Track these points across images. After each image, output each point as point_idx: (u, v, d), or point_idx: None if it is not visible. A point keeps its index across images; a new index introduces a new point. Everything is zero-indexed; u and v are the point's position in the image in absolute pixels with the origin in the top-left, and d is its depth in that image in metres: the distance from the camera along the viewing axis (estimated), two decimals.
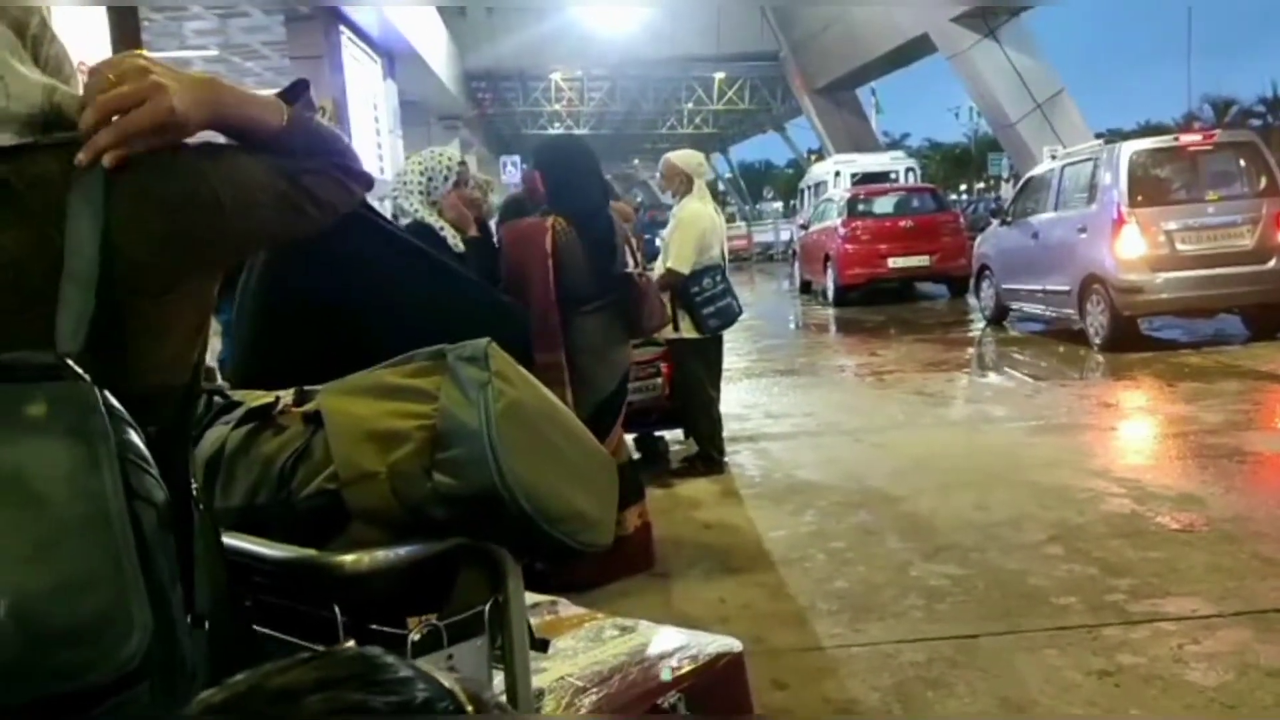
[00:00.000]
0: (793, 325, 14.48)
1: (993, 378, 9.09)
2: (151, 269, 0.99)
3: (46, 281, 0.94)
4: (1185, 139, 9.87)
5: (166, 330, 1.03)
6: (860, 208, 15.54)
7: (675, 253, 5.50)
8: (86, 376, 0.89)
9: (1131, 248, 8.95)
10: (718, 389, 5.88)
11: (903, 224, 15.18)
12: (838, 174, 19.95)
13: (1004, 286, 11.37)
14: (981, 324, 12.09)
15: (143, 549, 0.88)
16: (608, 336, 4.04)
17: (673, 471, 5.84)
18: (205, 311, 1.11)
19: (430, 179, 3.37)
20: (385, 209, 3.28)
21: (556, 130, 37.57)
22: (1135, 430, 6.77)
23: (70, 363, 0.89)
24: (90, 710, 0.83)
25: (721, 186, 49.14)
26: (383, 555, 1.33)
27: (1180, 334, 9.96)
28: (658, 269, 5.68)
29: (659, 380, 5.92)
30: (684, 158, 5.78)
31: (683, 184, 5.66)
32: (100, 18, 5.26)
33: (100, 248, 0.95)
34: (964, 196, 44.96)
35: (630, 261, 4.27)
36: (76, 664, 0.82)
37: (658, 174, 6.08)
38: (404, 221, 3.29)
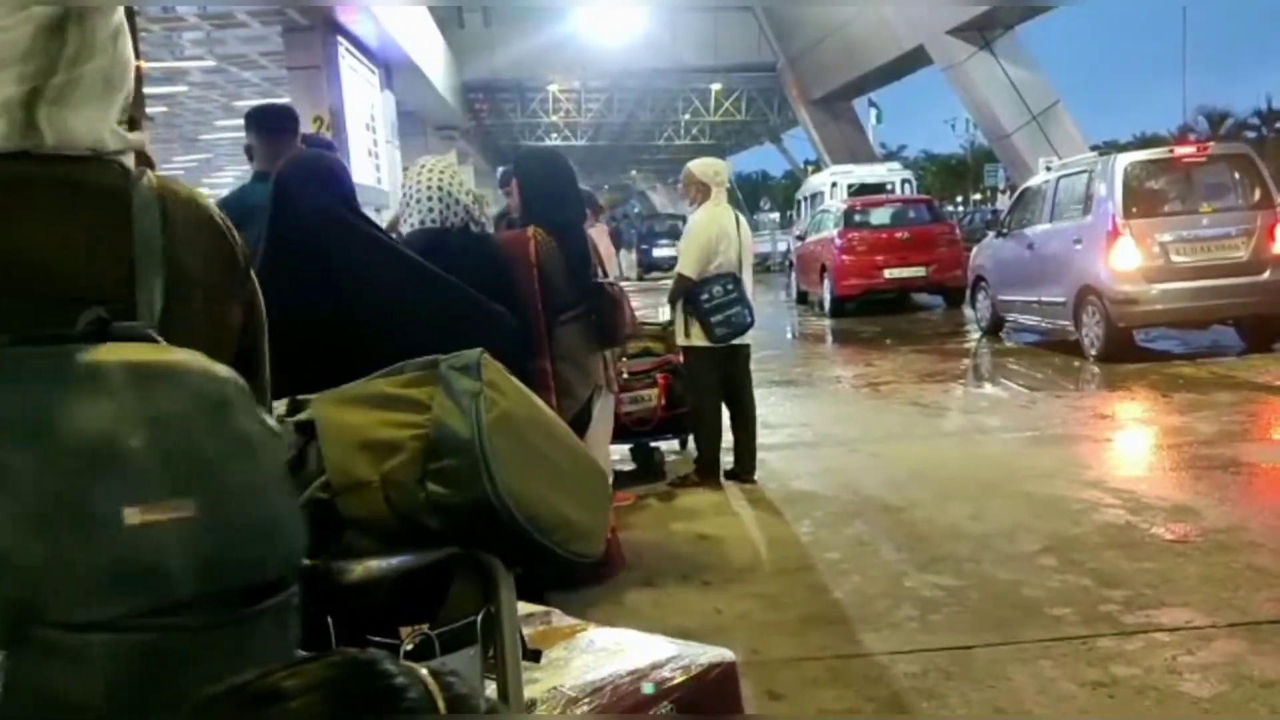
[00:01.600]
0: (789, 336, 14.50)
1: (988, 388, 9.10)
2: (198, 281, 1.13)
3: (122, 281, 1.05)
4: (1180, 151, 9.91)
5: (208, 337, 1.13)
6: (857, 219, 15.57)
7: (682, 258, 5.64)
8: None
9: (1126, 259, 8.98)
10: (744, 401, 5.79)
11: (899, 235, 15.22)
12: (834, 185, 19.97)
13: (1000, 297, 11.39)
14: (977, 335, 12.11)
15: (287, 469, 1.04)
16: (583, 346, 4.07)
17: (670, 482, 5.82)
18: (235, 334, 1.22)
19: None
20: (378, 218, 3.29)
21: (554, 141, 37.67)
22: (1130, 441, 6.78)
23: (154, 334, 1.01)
24: (259, 604, 0.95)
25: None
26: (376, 564, 1.33)
27: (1175, 345, 9.98)
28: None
29: (654, 391, 5.93)
30: (700, 166, 5.81)
31: (699, 192, 5.68)
32: None
33: (163, 240, 1.08)
34: (960, 208, 45.01)
35: (600, 271, 4.29)
36: (257, 559, 0.95)
37: (679, 183, 6.12)
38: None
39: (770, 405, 8.16)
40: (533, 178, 4.02)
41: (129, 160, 1.14)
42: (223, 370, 1.00)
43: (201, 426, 0.94)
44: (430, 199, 3.22)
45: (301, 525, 1.03)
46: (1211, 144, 10.72)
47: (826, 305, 15.43)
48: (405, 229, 3.23)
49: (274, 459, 1.01)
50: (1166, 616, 3.57)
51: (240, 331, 1.23)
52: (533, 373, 3.59)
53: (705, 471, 5.71)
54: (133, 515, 0.86)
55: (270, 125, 4.12)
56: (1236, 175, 9.55)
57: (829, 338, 13.61)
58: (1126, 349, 9.18)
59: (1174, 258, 8.95)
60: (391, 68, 16.16)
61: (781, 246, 26.69)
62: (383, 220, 4.27)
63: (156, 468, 0.89)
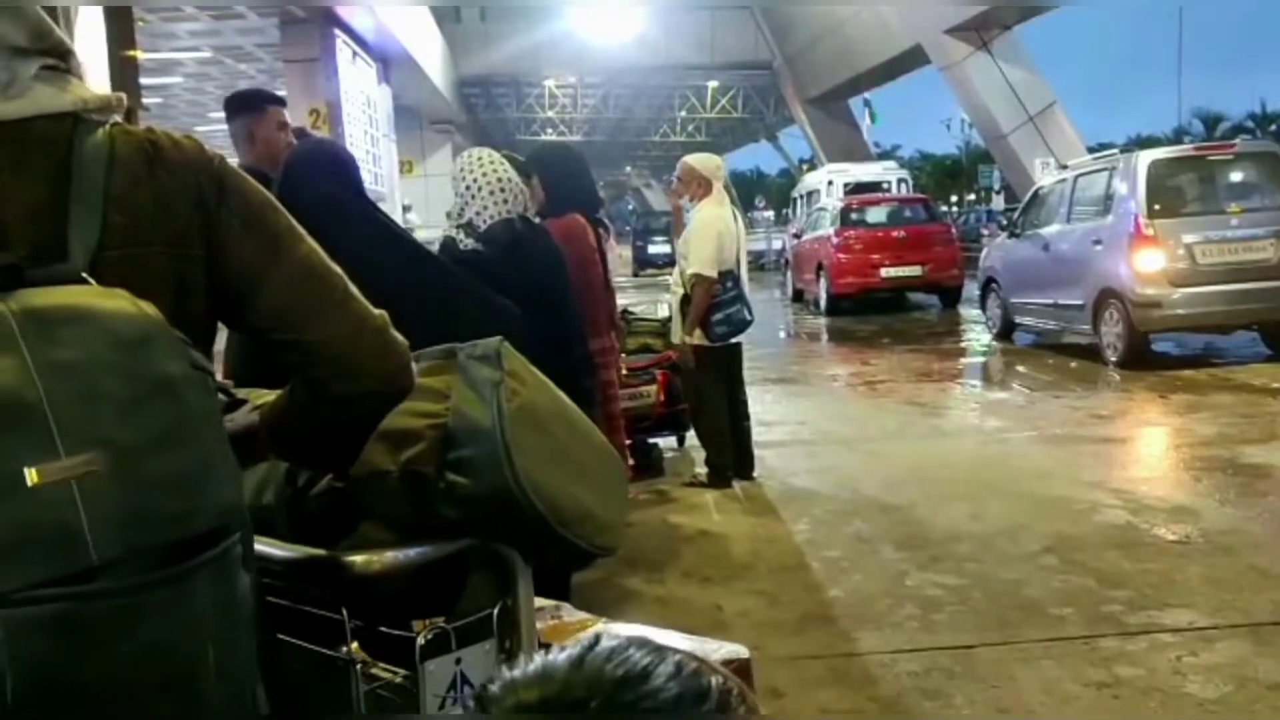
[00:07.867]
0: (785, 334, 14.48)
1: (997, 392, 9.04)
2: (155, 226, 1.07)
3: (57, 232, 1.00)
4: (1205, 148, 9.56)
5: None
6: (853, 217, 15.51)
7: (696, 256, 5.30)
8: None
9: (1150, 261, 8.54)
10: (740, 399, 5.70)
11: (895, 234, 15.19)
12: (830, 183, 19.93)
13: (1012, 300, 10.97)
14: (974, 334, 12.07)
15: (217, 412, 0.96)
16: None
17: (684, 483, 5.70)
18: None
19: None
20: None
21: (550, 136, 37.62)
22: (1143, 445, 6.66)
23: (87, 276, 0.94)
24: (192, 559, 0.87)
25: None
26: (392, 556, 1.30)
27: (1199, 350, 9.65)
28: (674, 275, 5.71)
29: (653, 387, 5.90)
30: (701, 161, 5.62)
31: (700, 188, 5.46)
32: (96, 18, 5.25)
33: (103, 187, 1.02)
34: (955, 208, 45.03)
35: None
36: (183, 510, 0.87)
37: (674, 178, 5.82)
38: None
39: (767, 403, 8.14)
40: (552, 172, 4.06)
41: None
42: (147, 308, 0.91)
43: (112, 370, 0.86)
44: (507, 189, 3.20)
45: (234, 464, 0.95)
46: (1237, 141, 10.37)
47: (822, 304, 15.40)
48: (484, 221, 3.16)
49: (201, 400, 0.92)
50: (1169, 617, 3.55)
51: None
52: (591, 353, 3.71)
53: (716, 475, 5.58)
54: (34, 474, 0.78)
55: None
56: (1262, 175, 9.11)
57: (825, 336, 13.59)
58: (1147, 354, 8.81)
59: (1199, 260, 8.52)
60: (389, 61, 16.09)
61: (777, 244, 26.68)
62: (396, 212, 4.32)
63: (56, 419, 0.81)
